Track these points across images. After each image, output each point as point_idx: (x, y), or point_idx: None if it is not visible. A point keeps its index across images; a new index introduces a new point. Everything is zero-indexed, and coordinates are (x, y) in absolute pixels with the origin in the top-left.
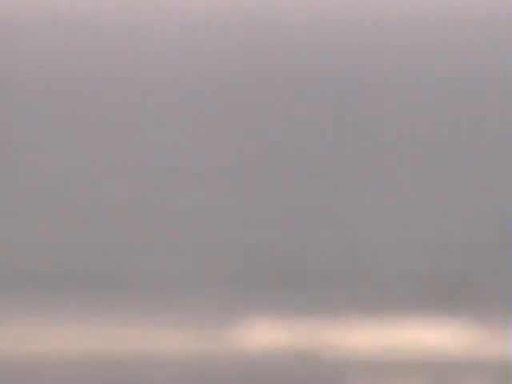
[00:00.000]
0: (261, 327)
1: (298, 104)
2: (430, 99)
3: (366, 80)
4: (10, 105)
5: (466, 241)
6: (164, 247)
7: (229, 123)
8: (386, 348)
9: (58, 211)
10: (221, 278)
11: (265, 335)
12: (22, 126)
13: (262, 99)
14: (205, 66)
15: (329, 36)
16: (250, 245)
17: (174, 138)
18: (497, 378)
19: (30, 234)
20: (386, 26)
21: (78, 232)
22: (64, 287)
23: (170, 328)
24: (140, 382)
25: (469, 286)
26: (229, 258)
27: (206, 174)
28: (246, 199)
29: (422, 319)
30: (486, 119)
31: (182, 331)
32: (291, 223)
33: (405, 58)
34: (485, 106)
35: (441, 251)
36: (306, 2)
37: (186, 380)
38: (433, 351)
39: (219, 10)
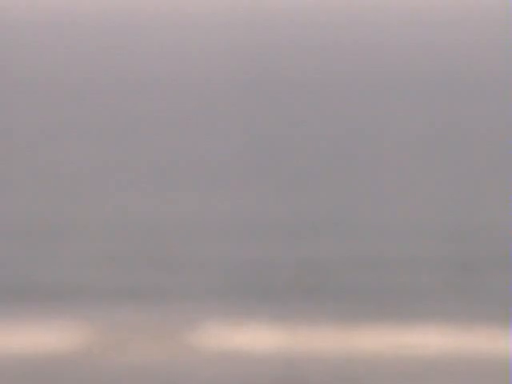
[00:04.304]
0: (259, 335)
1: (299, 105)
2: (431, 100)
3: (366, 81)
4: (10, 105)
5: (466, 248)
6: (163, 256)
7: (229, 125)
8: (383, 354)
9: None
10: (218, 288)
11: (262, 343)
12: (22, 126)
13: (263, 100)
14: (205, 66)
15: (329, 36)
16: (249, 251)
17: (174, 140)
18: (496, 377)
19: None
20: (386, 26)
21: (79, 237)
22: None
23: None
24: None
25: (468, 292)
26: (226, 268)
27: (205, 181)
28: (245, 206)
29: (422, 323)
30: (486, 119)
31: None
32: (291, 231)
33: (405, 58)
34: (485, 106)
35: (441, 256)
36: (306, 2)
37: None
38: (433, 352)
39: (220, 10)
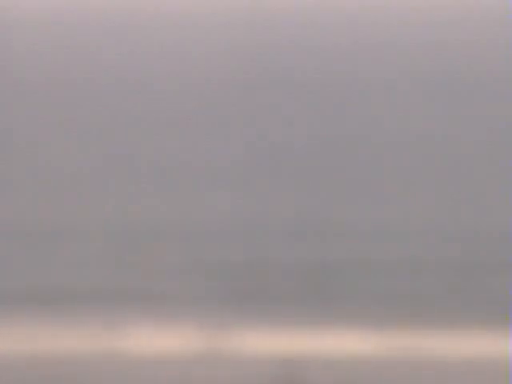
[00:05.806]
0: (259, 335)
1: (299, 105)
2: (431, 100)
3: (366, 81)
4: (10, 105)
5: (466, 248)
6: (161, 260)
7: (229, 125)
8: (384, 355)
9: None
10: (218, 288)
11: (262, 343)
12: (22, 126)
13: (263, 100)
14: (205, 66)
15: (329, 36)
16: (249, 251)
17: (174, 140)
18: (496, 377)
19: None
20: (386, 26)
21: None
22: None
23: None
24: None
25: (468, 293)
26: (225, 268)
27: (205, 181)
28: (245, 206)
29: (422, 323)
30: (486, 119)
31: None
32: (291, 231)
33: (405, 58)
34: (485, 106)
35: (441, 257)
36: (306, 2)
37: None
38: (433, 352)
39: (220, 10)
